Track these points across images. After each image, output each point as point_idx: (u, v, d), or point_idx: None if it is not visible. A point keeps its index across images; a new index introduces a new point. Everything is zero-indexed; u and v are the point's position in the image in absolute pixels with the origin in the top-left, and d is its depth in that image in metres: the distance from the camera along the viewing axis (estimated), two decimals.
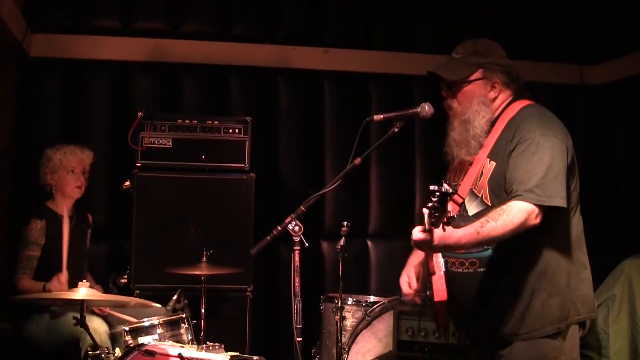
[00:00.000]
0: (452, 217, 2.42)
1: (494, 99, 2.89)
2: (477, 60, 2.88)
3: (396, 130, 3.01)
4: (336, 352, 4.05)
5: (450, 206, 2.43)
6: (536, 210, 2.61)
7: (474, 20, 5.63)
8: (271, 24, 5.46)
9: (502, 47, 2.97)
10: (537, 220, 2.62)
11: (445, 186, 2.31)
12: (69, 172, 4.40)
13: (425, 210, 2.40)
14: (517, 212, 2.59)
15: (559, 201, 2.64)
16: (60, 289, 4.01)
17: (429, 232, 2.45)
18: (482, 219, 2.61)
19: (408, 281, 3.03)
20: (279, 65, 5.42)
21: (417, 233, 2.49)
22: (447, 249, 2.72)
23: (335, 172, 5.02)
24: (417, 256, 3.08)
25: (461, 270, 2.83)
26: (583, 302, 2.79)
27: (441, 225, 2.42)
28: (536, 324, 2.73)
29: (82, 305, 3.34)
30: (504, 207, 2.62)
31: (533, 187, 2.62)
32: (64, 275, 4.08)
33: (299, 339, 3.15)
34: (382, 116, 3.02)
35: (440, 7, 5.66)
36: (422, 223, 2.46)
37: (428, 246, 2.53)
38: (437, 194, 2.32)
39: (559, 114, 2.86)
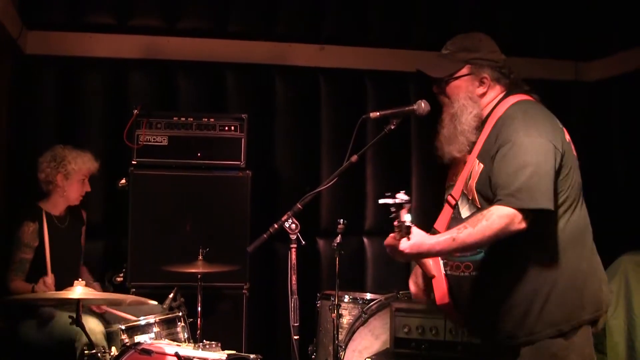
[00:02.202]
0: (408, 227, 2.44)
1: (483, 94, 2.84)
2: (464, 56, 2.83)
3: (392, 127, 2.99)
4: (333, 349, 4.06)
5: (409, 216, 2.43)
6: (519, 215, 2.54)
7: (470, 17, 5.62)
8: (267, 20, 5.45)
9: (498, 43, 2.92)
10: (523, 225, 2.55)
11: (400, 196, 2.31)
12: (81, 180, 4.38)
13: (396, 222, 2.43)
14: (496, 218, 2.54)
15: (544, 203, 2.56)
16: (47, 292, 4.00)
17: (399, 240, 2.47)
18: (461, 225, 2.59)
19: (415, 280, 3.00)
20: (274, 62, 5.42)
21: (388, 239, 2.51)
22: (420, 257, 2.71)
23: (331, 169, 5.03)
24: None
25: (457, 273, 2.80)
26: (589, 301, 2.70)
27: (406, 235, 2.44)
28: (535, 328, 2.67)
29: (77, 305, 3.33)
30: (485, 212, 2.58)
31: (514, 191, 2.55)
32: (49, 278, 4.07)
33: (295, 337, 3.14)
34: (378, 113, 3.01)
35: (436, 4, 5.65)
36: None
37: (400, 255, 2.55)
38: (391, 206, 2.34)
39: (554, 111, 2.84)
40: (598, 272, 2.78)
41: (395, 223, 2.45)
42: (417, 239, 2.53)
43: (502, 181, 2.60)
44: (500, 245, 2.61)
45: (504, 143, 2.65)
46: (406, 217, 2.43)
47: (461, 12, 5.66)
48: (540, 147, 2.62)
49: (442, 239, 2.57)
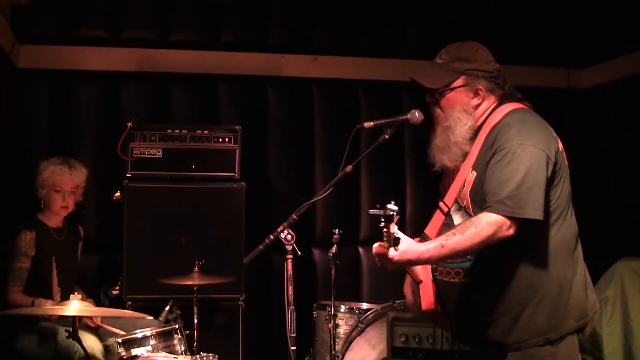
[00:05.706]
0: (397, 238, 2.43)
1: (478, 105, 2.82)
2: (459, 67, 2.80)
3: (386, 137, 3.00)
4: (330, 359, 4.05)
5: (395, 227, 2.41)
6: (507, 222, 2.54)
7: (462, 26, 5.64)
8: (259, 32, 5.46)
9: (490, 51, 2.90)
10: (510, 232, 2.55)
11: (390, 207, 2.31)
12: (56, 191, 4.35)
13: (385, 232, 2.42)
14: (485, 225, 2.53)
15: (533, 213, 2.55)
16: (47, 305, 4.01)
17: (388, 249, 2.47)
18: (449, 232, 2.58)
19: (407, 288, 2.99)
20: (267, 73, 5.42)
21: (376, 248, 2.50)
22: (409, 264, 2.69)
23: (325, 180, 5.03)
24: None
25: (447, 279, 2.80)
26: (575, 310, 2.72)
27: (394, 246, 2.45)
28: (523, 336, 2.67)
29: (74, 320, 3.32)
30: (473, 219, 2.58)
31: (504, 198, 2.55)
32: (56, 295, 4.12)
33: (293, 348, 3.14)
34: (372, 123, 3.02)
35: (429, 13, 5.67)
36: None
37: (389, 263, 2.53)
38: (381, 217, 2.34)
39: (547, 118, 2.84)
40: (584, 279, 2.79)
41: (385, 232, 2.44)
42: (405, 247, 2.51)
43: (493, 188, 2.60)
44: (490, 252, 2.60)
45: (498, 150, 2.65)
46: (394, 228, 2.43)
47: (454, 20, 5.68)
48: (533, 156, 2.61)
49: (430, 246, 2.56)
